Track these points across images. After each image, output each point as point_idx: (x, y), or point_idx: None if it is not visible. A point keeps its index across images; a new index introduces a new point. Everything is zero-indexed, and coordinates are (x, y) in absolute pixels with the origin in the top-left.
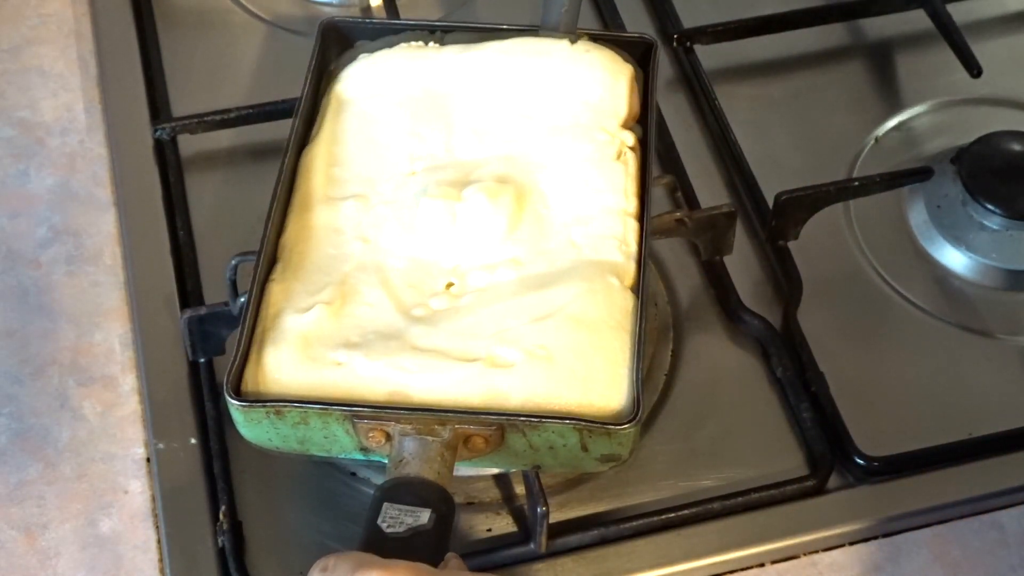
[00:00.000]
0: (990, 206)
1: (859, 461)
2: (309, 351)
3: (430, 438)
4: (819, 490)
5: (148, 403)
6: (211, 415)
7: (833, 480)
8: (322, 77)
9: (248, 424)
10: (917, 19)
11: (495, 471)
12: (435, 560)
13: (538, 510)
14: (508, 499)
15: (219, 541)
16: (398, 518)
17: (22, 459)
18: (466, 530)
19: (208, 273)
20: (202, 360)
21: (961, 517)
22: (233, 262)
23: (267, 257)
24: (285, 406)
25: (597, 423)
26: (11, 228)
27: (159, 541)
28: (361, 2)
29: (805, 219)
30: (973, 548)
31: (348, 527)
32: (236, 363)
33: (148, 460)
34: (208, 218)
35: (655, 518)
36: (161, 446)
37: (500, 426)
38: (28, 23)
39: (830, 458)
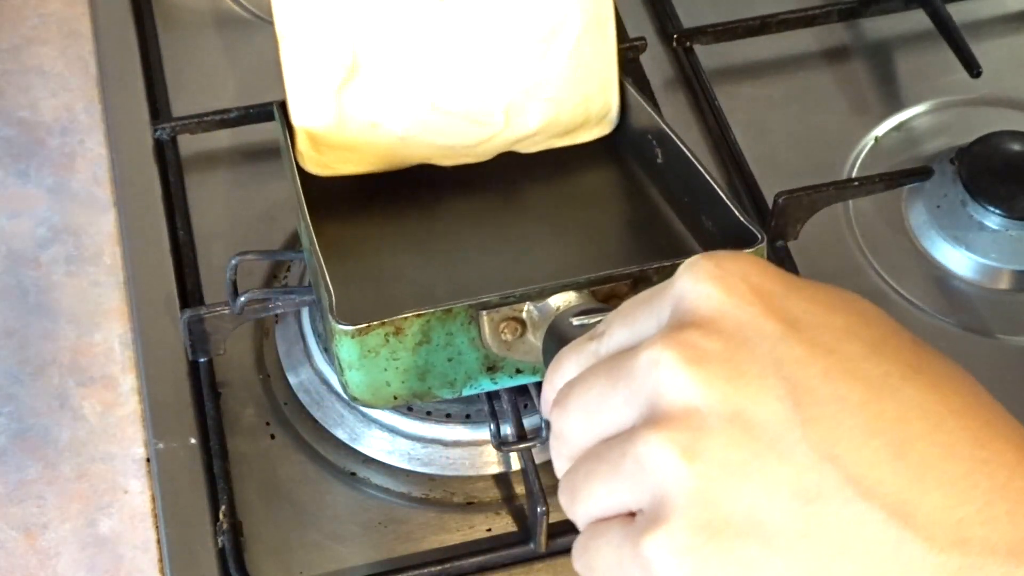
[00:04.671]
0: (990, 206)
1: None
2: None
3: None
4: None
5: (148, 403)
6: (211, 415)
7: None
8: None
9: (364, 364)
10: (917, 19)
11: (496, 470)
12: None
13: (538, 510)
14: (508, 499)
15: (219, 541)
16: (589, 320)
17: (22, 459)
18: (466, 530)
19: (208, 273)
20: (202, 360)
21: None
22: (233, 262)
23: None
24: (405, 319)
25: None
26: (11, 228)
27: (159, 541)
28: None
29: (805, 219)
30: None
31: (348, 527)
32: (333, 298)
33: (148, 460)
34: (208, 218)
35: None
36: (161, 446)
37: (635, 280)
38: (28, 23)
39: None
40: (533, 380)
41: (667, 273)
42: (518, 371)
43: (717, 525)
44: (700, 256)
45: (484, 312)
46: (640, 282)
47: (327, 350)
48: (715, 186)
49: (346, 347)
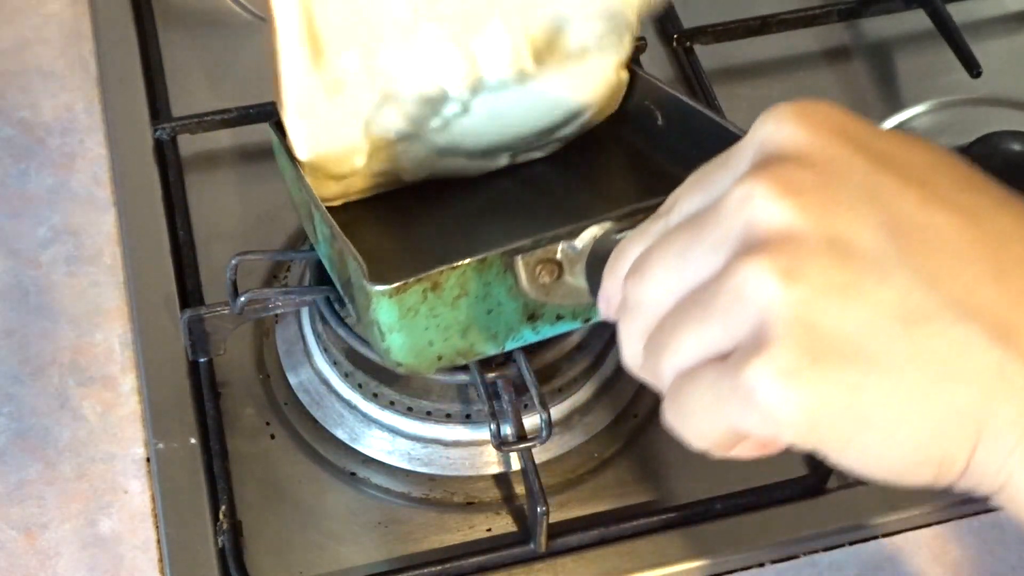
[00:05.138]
0: None
1: None
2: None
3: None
4: (819, 490)
5: (148, 403)
6: (211, 415)
7: (833, 480)
8: None
9: (404, 325)
10: (917, 19)
11: (496, 471)
12: None
13: (538, 510)
14: (508, 499)
15: (219, 541)
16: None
17: (22, 459)
18: (466, 530)
19: (208, 273)
20: (202, 360)
21: (961, 517)
22: (233, 262)
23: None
24: (440, 272)
25: None
26: (11, 228)
27: (159, 541)
28: None
29: None
30: (973, 548)
31: (348, 527)
32: (364, 266)
33: (148, 460)
34: (208, 218)
35: (655, 518)
36: (161, 446)
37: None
38: (28, 23)
39: None
40: (574, 326)
41: None
42: (559, 317)
43: (820, 348)
44: (778, 104)
45: (519, 257)
46: None
47: (326, 350)
48: (721, 122)
49: (385, 309)
